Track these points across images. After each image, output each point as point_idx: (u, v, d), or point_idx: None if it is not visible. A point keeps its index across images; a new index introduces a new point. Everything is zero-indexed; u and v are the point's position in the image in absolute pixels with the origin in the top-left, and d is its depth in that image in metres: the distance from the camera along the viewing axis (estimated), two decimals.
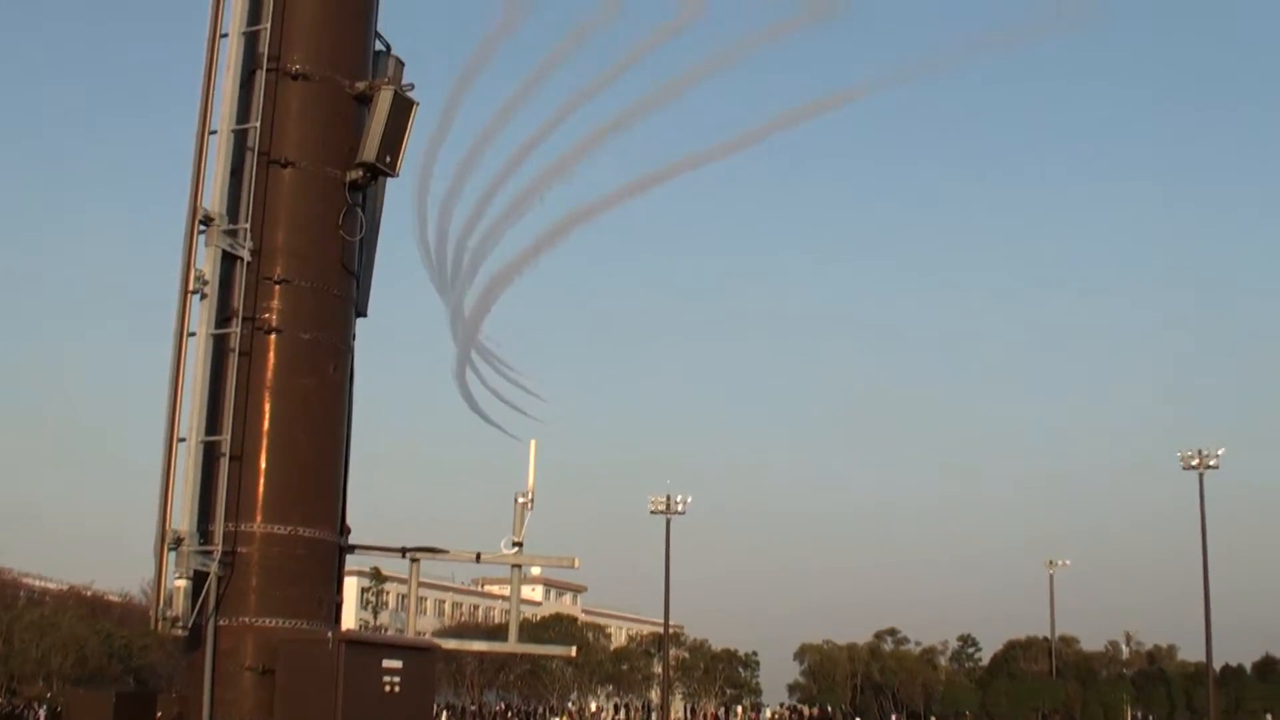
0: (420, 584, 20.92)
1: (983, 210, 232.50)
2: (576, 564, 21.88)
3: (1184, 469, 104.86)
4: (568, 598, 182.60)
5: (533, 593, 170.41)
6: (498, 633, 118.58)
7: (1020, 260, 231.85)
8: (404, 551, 20.38)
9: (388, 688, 17.87)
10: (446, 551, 20.83)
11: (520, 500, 20.58)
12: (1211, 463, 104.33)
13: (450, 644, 23.36)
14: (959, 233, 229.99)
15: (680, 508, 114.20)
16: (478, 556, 20.93)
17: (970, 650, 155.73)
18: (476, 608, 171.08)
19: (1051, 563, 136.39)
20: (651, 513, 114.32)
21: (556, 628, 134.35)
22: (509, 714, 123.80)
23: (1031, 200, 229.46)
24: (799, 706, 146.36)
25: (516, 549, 20.50)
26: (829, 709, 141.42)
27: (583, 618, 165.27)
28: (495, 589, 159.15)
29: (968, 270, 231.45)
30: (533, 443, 21.02)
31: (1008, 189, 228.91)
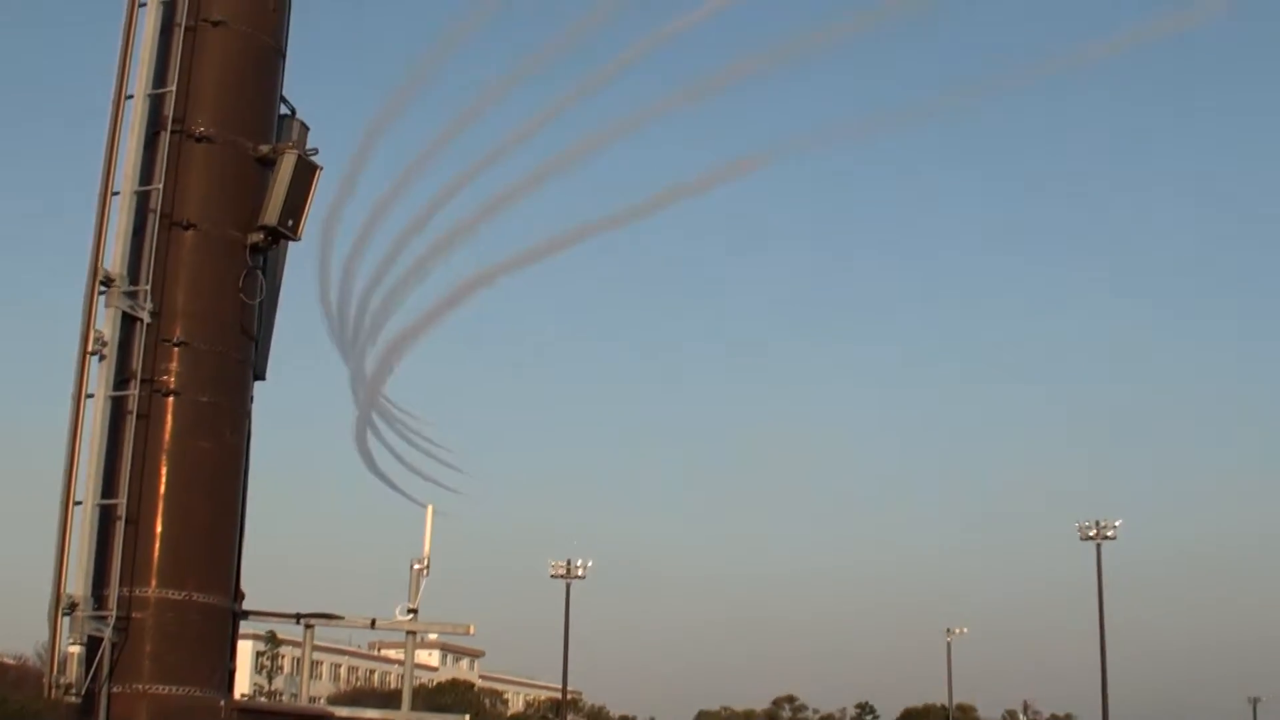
0: (315, 648, 20.81)
1: (858, 286, 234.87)
2: (472, 630, 21.82)
3: (1082, 539, 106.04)
4: (465, 662, 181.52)
5: (429, 657, 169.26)
6: (394, 698, 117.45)
7: (922, 336, 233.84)
8: (298, 618, 20.25)
9: None
10: (341, 618, 20.71)
11: (416, 566, 20.52)
12: (1109, 533, 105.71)
13: (342, 712, 23.14)
14: (868, 306, 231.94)
15: (580, 572, 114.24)
16: (373, 623, 20.83)
17: (868, 718, 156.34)
18: (373, 672, 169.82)
19: (949, 630, 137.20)
20: (551, 577, 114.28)
21: (453, 693, 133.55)
22: None
23: (930, 280, 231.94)
24: None
25: (412, 615, 20.42)
26: None
27: (480, 683, 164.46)
28: (392, 653, 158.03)
29: (873, 344, 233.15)
30: (429, 508, 21.00)
31: (910, 266, 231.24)
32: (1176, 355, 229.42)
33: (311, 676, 21.43)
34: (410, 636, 20.83)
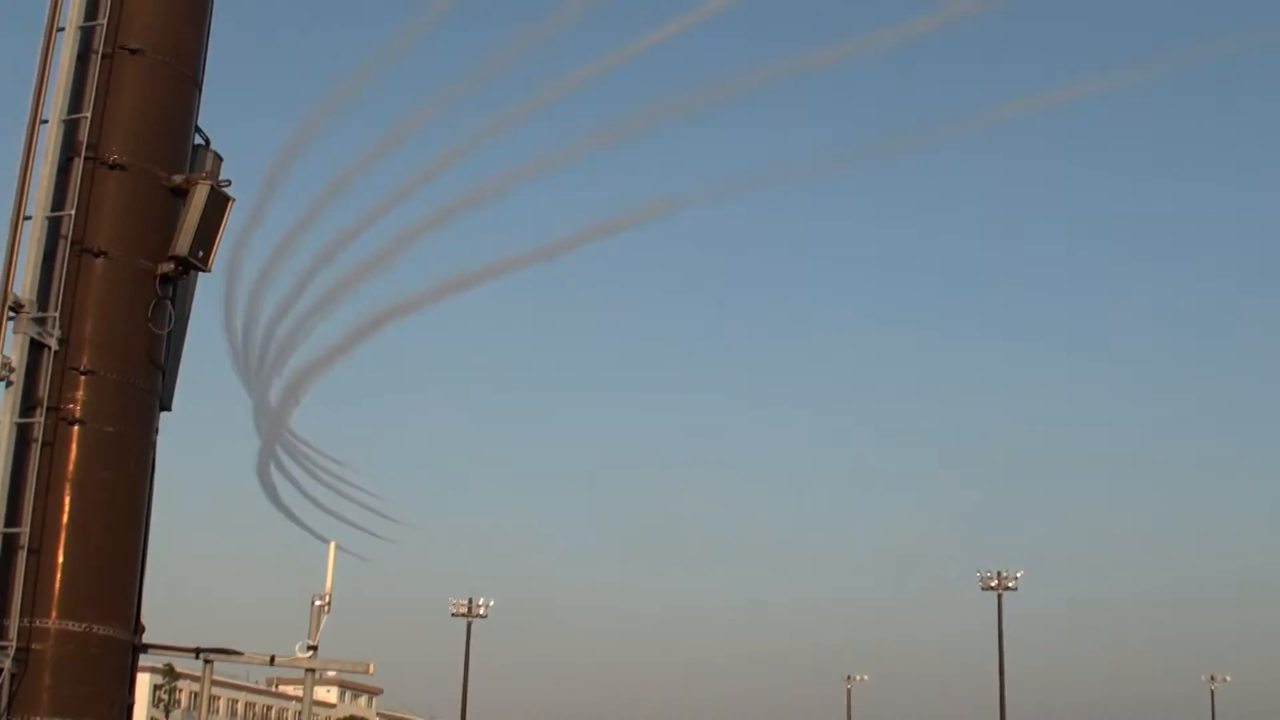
0: (214, 683, 20.63)
1: (776, 336, 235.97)
2: (372, 670, 21.71)
3: (983, 589, 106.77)
4: (363, 700, 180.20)
5: (327, 694, 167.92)
6: None
7: (818, 389, 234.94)
8: (198, 652, 20.05)
9: None
10: (241, 653, 20.53)
11: (318, 603, 20.39)
12: (1010, 584, 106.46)
13: None
14: (752, 355, 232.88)
15: (482, 611, 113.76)
16: (272, 659, 20.67)
17: None
18: (270, 708, 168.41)
19: (849, 678, 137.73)
20: (452, 615, 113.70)
21: None
22: None
23: (822, 334, 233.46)
24: None
25: (311, 653, 20.28)
26: None
27: None
28: (290, 689, 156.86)
29: (762, 393, 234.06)
30: (332, 544, 20.91)
31: (799, 323, 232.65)
32: (1084, 406, 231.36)
33: (209, 712, 21.21)
34: (309, 674, 20.69)
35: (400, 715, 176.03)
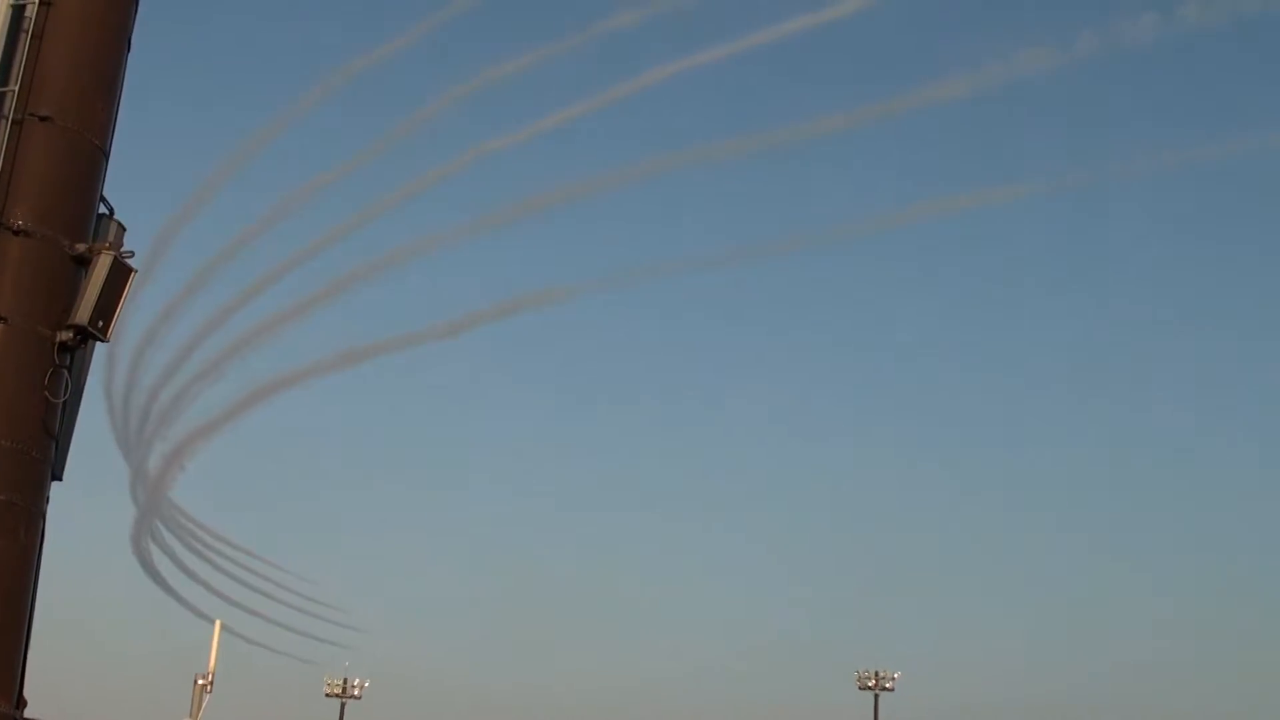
0: None
1: (666, 427, 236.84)
2: None
3: (860, 689, 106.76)
4: None
5: None
6: None
7: (698, 481, 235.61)
8: None
9: None
10: None
11: (200, 682, 20.21)
12: (888, 684, 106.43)
13: None
14: (637, 446, 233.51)
15: (356, 691, 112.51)
16: None
17: None
18: None
19: None
20: (327, 695, 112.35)
21: None
22: None
23: (706, 431, 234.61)
24: None
25: None
26: None
27: None
28: None
29: (644, 484, 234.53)
30: (217, 623, 20.80)
31: (687, 415, 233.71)
32: (960, 509, 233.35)
33: None
34: None
35: None
